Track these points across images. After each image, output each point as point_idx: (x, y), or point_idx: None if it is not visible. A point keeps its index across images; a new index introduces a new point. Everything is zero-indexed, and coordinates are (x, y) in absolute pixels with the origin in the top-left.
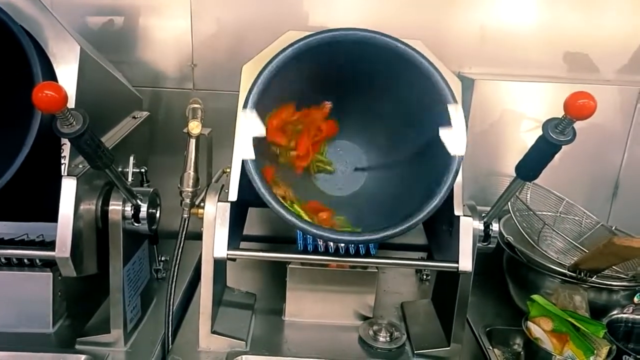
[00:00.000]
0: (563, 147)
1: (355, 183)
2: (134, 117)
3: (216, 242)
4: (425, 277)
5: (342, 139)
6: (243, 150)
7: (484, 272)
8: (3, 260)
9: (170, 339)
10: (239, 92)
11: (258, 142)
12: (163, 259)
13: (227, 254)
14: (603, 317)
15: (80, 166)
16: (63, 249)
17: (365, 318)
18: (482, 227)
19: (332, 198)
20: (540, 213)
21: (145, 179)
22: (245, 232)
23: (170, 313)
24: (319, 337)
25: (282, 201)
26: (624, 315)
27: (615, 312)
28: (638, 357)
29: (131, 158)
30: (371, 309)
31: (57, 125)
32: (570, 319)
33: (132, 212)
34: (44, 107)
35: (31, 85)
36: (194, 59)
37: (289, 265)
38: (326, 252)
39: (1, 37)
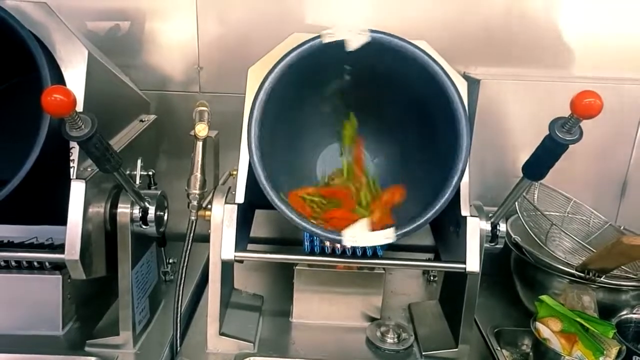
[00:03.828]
0: (570, 146)
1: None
2: (141, 121)
3: (223, 244)
4: (432, 278)
5: None
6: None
7: (491, 272)
8: (13, 263)
9: (178, 341)
10: (245, 94)
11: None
12: (171, 261)
13: (235, 256)
14: (612, 317)
15: (89, 169)
16: (72, 252)
17: (372, 319)
18: (489, 227)
19: None
20: (547, 213)
21: (152, 182)
22: (252, 234)
23: (179, 315)
24: (326, 338)
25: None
26: (634, 316)
27: (624, 312)
28: None
29: (139, 161)
30: (378, 310)
31: (66, 128)
32: (579, 320)
33: (140, 214)
34: (53, 111)
35: (40, 89)
36: (200, 62)
37: (296, 267)
38: (333, 253)
39: (10, 42)
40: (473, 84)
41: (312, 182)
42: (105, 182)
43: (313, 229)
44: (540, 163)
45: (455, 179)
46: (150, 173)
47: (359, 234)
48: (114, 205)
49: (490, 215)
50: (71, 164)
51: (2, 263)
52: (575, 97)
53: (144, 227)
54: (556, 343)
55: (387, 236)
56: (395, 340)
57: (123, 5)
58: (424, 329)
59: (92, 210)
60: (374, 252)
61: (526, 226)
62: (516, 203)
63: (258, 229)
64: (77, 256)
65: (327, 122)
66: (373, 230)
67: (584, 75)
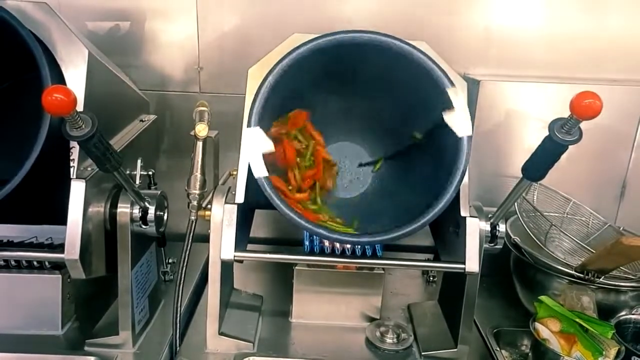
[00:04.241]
0: (570, 147)
1: (360, 185)
2: (141, 121)
3: (223, 243)
4: (432, 278)
5: (347, 141)
6: (250, 155)
7: (491, 273)
8: (12, 262)
9: (178, 340)
10: (245, 95)
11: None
12: (170, 261)
13: (235, 256)
14: (611, 318)
15: (89, 169)
16: (72, 251)
17: (372, 319)
18: (488, 228)
19: (338, 200)
20: (547, 214)
21: (152, 182)
22: (252, 234)
23: (178, 315)
24: (326, 338)
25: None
26: (633, 316)
27: (623, 313)
28: None
29: (139, 161)
30: (378, 311)
31: (67, 128)
32: (578, 320)
33: (140, 214)
34: (53, 111)
35: (40, 89)
36: (200, 62)
37: (296, 267)
38: (332, 253)
39: (11, 42)
40: (473, 84)
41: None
42: (105, 182)
43: (314, 229)
44: (539, 163)
45: (456, 181)
46: (150, 173)
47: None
48: (114, 205)
49: (489, 215)
50: (71, 164)
51: (2, 262)
52: (575, 98)
53: (143, 227)
54: (555, 343)
55: (391, 235)
56: (395, 340)
57: (123, 5)
58: (424, 329)
59: (92, 209)
60: (373, 252)
61: (525, 227)
62: (515, 204)
63: (258, 229)
64: (76, 256)
65: (327, 121)
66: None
67: (584, 76)
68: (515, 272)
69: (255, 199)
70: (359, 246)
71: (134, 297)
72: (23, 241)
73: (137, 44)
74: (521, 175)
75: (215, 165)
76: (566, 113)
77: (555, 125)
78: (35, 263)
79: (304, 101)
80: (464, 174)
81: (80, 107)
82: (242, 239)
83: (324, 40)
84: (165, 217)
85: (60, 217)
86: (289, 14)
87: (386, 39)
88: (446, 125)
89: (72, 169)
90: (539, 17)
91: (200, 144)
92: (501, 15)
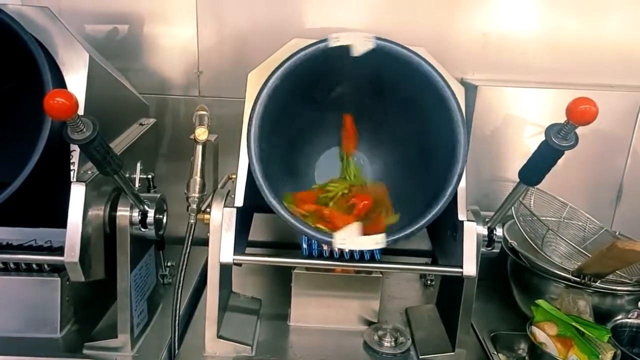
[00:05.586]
0: (566, 152)
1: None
2: (140, 124)
3: (222, 247)
4: (429, 282)
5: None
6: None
7: (488, 277)
8: (12, 265)
9: (176, 343)
10: (244, 99)
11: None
12: (169, 264)
13: (233, 259)
14: (607, 321)
15: (89, 172)
16: (72, 254)
17: (370, 323)
18: (486, 232)
19: None
20: (543, 218)
21: (152, 185)
22: (250, 237)
23: (177, 318)
24: (324, 342)
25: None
26: (629, 320)
27: (619, 316)
28: None
29: (138, 164)
30: (376, 314)
31: (68, 131)
32: (574, 324)
33: (140, 217)
34: (55, 114)
35: (41, 92)
36: (199, 66)
37: (294, 271)
38: (331, 257)
39: (12, 46)
40: (470, 89)
41: (311, 185)
42: (105, 185)
43: (306, 230)
44: (536, 168)
45: (453, 184)
46: (150, 176)
47: (349, 238)
48: (114, 208)
49: (487, 220)
50: (71, 167)
51: (1, 265)
52: (571, 104)
53: (143, 230)
54: (552, 347)
55: (377, 241)
56: (393, 344)
57: (123, 9)
58: (421, 332)
59: (92, 213)
60: (371, 256)
61: (522, 231)
62: (513, 208)
63: (256, 232)
64: (76, 258)
65: (326, 126)
66: (365, 234)
67: (580, 82)
68: (512, 276)
69: (254, 203)
70: (357, 250)
71: (133, 300)
72: (22, 244)
73: (137, 48)
74: (518, 180)
75: (215, 168)
76: (563, 118)
77: (552, 130)
78: (34, 266)
79: (304, 104)
80: (460, 178)
81: (80, 110)
82: (241, 242)
83: (325, 44)
84: (164, 221)
85: (59, 220)
86: (288, 19)
87: (387, 44)
88: (443, 130)
89: (72, 172)
90: (536, 23)
91: (199, 148)
92: (499, 20)
